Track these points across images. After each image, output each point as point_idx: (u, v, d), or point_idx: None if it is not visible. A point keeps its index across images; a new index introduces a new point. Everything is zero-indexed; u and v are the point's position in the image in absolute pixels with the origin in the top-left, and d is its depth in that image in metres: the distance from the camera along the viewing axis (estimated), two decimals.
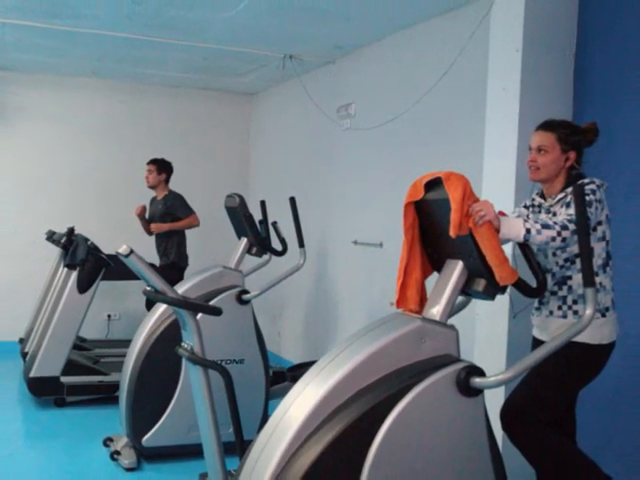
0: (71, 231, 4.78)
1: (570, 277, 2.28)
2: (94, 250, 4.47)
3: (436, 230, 2.06)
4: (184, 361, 3.07)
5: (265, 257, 3.92)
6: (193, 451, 3.14)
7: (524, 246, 2.09)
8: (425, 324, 1.94)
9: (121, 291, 5.84)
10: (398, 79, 4.16)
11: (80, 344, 5.00)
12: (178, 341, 2.60)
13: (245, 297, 3.54)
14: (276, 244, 3.94)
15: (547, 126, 2.35)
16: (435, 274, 2.14)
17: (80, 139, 6.02)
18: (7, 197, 5.85)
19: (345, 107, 4.73)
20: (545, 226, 2.03)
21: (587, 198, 2.11)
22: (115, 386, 4.00)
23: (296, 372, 4.16)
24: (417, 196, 2.05)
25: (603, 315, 2.24)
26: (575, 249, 2.21)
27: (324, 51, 4.71)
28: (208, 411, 2.46)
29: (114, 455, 3.38)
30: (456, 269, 2.01)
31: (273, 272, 3.89)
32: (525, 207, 2.46)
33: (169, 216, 4.81)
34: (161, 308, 3.50)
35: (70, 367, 4.35)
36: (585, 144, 2.36)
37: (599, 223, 2.24)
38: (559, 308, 2.31)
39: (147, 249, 4.62)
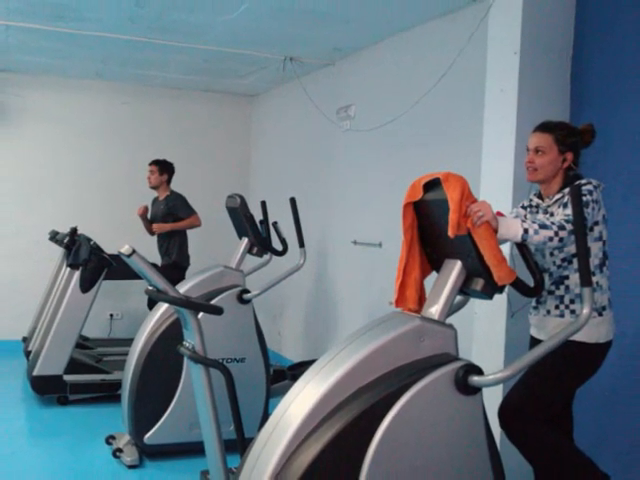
0: (74, 231, 4.80)
1: (567, 277, 2.30)
2: (97, 250, 4.49)
3: (435, 230, 2.08)
4: (185, 360, 3.09)
5: (266, 257, 3.95)
6: (194, 449, 3.16)
7: (522, 246, 2.11)
8: (424, 323, 1.95)
9: (123, 290, 5.86)
10: (397, 81, 4.18)
11: (83, 343, 5.02)
12: (180, 340, 2.63)
13: (246, 296, 3.57)
14: (276, 244, 3.97)
15: (544, 127, 2.37)
16: (434, 274, 2.16)
17: (83, 140, 6.05)
18: (10, 198, 5.88)
19: (345, 109, 4.76)
20: (542, 226, 2.05)
21: (584, 199, 2.12)
22: (117, 384, 4.03)
23: (296, 370, 4.18)
24: (416, 196, 2.07)
25: (600, 314, 2.25)
26: (572, 249, 2.23)
27: (324, 53, 4.74)
28: (209, 409, 2.49)
29: (116, 453, 3.40)
30: (455, 269, 2.03)
31: (273, 272, 3.92)
32: (523, 207, 2.48)
33: (171, 216, 4.84)
34: (163, 307, 3.52)
35: (73, 366, 4.37)
36: (582, 145, 2.37)
37: (596, 223, 2.26)
38: (556, 307, 2.32)
39: (149, 249, 4.65)
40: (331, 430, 1.77)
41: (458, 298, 2.19)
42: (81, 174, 6.05)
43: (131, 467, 3.34)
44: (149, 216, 4.99)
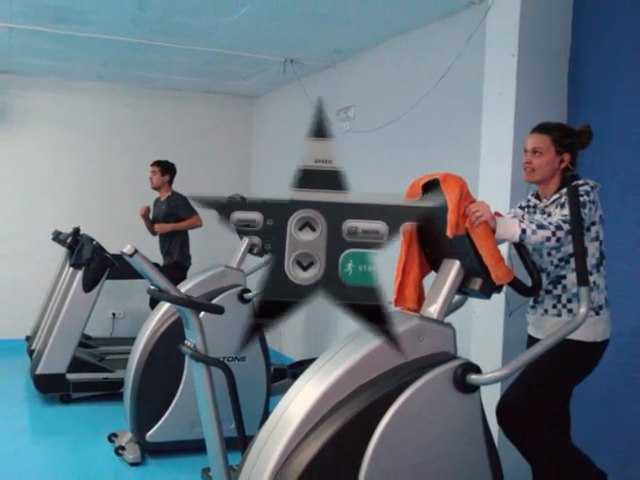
0: (76, 231, 4.82)
1: (564, 276, 2.31)
2: (99, 250, 4.52)
3: (434, 230, 2.10)
4: (187, 358, 3.11)
5: (266, 257, 3.96)
6: (196, 446, 3.16)
7: (520, 246, 2.13)
8: (423, 322, 1.97)
9: (125, 290, 5.88)
10: (397, 82, 4.20)
11: (85, 342, 5.03)
12: (181, 339, 2.64)
13: (247, 296, 3.58)
14: None
15: (542, 129, 2.38)
16: (433, 273, 2.19)
17: (85, 142, 6.08)
18: (13, 198, 5.91)
19: (345, 110, 4.78)
20: (540, 226, 2.07)
21: (581, 199, 2.14)
22: (120, 383, 4.05)
23: (297, 369, 4.21)
24: (415, 197, 2.10)
25: (597, 313, 2.27)
26: (569, 249, 2.24)
27: (324, 55, 4.76)
28: (210, 407, 2.50)
29: (119, 450, 3.42)
30: (453, 268, 2.05)
31: None
32: (520, 208, 2.49)
33: (172, 217, 4.86)
34: (164, 307, 3.54)
35: (76, 364, 4.40)
36: (579, 146, 2.39)
37: (593, 223, 2.27)
38: (554, 306, 2.34)
39: (151, 249, 4.65)
40: (331, 428, 1.79)
41: (457, 297, 2.20)
42: (83, 175, 6.08)
43: (133, 465, 3.37)
44: (151, 216, 5.01)
